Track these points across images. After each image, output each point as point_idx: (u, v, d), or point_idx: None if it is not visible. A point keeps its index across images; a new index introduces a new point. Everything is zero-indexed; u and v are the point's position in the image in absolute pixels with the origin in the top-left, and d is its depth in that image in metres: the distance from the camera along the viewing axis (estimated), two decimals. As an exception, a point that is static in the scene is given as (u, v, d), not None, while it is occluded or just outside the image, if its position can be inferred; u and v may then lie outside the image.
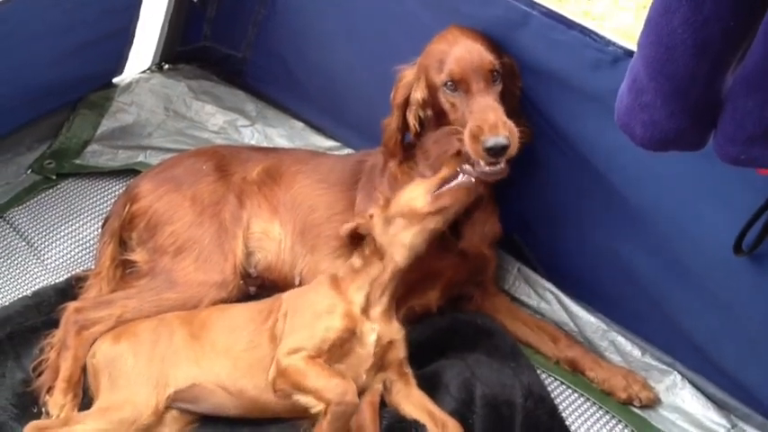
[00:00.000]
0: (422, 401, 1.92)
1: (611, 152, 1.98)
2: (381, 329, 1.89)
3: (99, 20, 2.53)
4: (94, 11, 2.48)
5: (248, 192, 2.26)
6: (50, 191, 2.63)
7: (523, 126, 1.97)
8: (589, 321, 2.24)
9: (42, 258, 2.42)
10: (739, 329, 1.94)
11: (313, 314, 1.87)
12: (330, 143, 2.75)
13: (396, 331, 1.93)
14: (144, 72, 2.92)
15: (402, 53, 2.12)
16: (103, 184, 2.66)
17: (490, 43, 2.00)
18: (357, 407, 1.78)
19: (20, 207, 2.56)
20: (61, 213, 2.56)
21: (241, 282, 2.16)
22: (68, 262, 2.42)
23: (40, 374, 2.01)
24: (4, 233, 2.49)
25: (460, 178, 1.92)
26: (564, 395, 2.14)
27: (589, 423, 2.09)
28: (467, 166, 1.94)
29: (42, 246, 2.46)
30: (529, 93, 2.09)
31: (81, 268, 2.36)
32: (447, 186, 1.92)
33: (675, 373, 2.13)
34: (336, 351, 1.82)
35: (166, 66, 2.96)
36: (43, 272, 2.39)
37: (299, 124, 2.81)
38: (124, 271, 2.23)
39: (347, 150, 2.69)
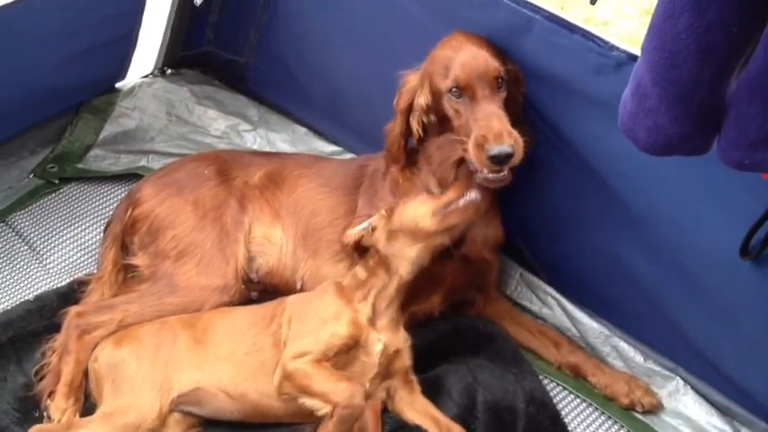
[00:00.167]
0: (426, 408, 1.92)
1: (613, 157, 1.98)
2: (388, 339, 1.89)
3: (102, 25, 2.54)
4: (98, 16, 2.49)
5: (250, 196, 2.26)
6: (53, 195, 2.63)
7: (526, 134, 1.97)
8: (591, 326, 2.23)
9: (44, 262, 2.42)
10: (740, 334, 1.93)
11: (319, 321, 1.87)
12: (332, 148, 2.76)
13: (402, 340, 1.93)
14: (146, 77, 2.93)
15: (404, 58, 2.12)
16: (106, 189, 2.66)
17: (495, 50, 2.00)
18: (363, 410, 1.78)
19: (22, 211, 2.56)
20: (63, 217, 2.56)
21: (243, 286, 2.15)
22: (70, 266, 2.42)
23: (41, 378, 2.01)
24: (6, 237, 2.49)
25: (468, 197, 1.91)
26: (566, 401, 2.14)
27: (591, 429, 2.09)
28: (473, 191, 1.92)
29: (44, 250, 2.46)
30: (532, 97, 2.09)
31: (83, 272, 2.36)
32: (454, 206, 1.90)
33: (678, 378, 2.12)
34: (341, 358, 1.82)
35: (169, 71, 2.97)
36: (45, 276, 2.39)
37: (302, 129, 2.81)
38: (126, 275, 2.23)
39: (349, 155, 2.69)
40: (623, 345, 2.19)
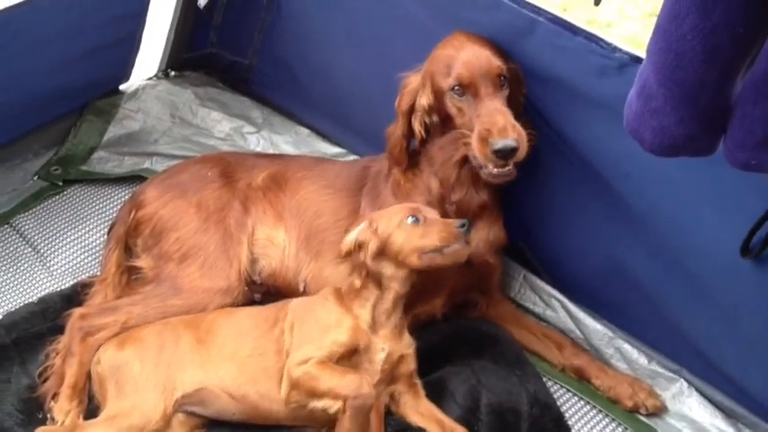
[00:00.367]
0: (430, 411, 1.92)
1: (616, 159, 1.98)
2: (391, 346, 1.89)
3: (106, 26, 2.54)
4: (102, 17, 2.49)
5: (253, 198, 2.26)
6: (57, 197, 2.63)
7: (529, 129, 1.97)
8: (595, 328, 2.23)
9: (48, 264, 2.43)
10: (741, 334, 1.93)
11: (320, 328, 1.87)
12: (336, 150, 2.76)
13: (406, 345, 1.93)
14: (150, 79, 2.93)
15: (406, 60, 2.12)
16: (109, 191, 2.66)
17: (496, 48, 2.01)
18: (374, 398, 1.77)
19: (26, 213, 2.57)
20: (67, 220, 2.57)
21: (246, 288, 2.15)
22: (74, 268, 2.42)
23: (45, 380, 2.01)
24: (10, 239, 2.50)
25: (455, 246, 1.86)
26: (570, 403, 2.13)
27: (595, 431, 2.08)
28: (461, 240, 1.86)
29: (48, 252, 2.46)
30: (534, 99, 2.09)
31: (87, 274, 2.36)
32: (442, 251, 1.85)
33: (682, 380, 2.12)
34: (344, 364, 1.82)
35: (173, 73, 2.97)
36: (49, 278, 2.39)
37: (305, 131, 2.82)
38: (129, 277, 2.23)
39: (352, 157, 2.69)
40: (627, 347, 2.19)
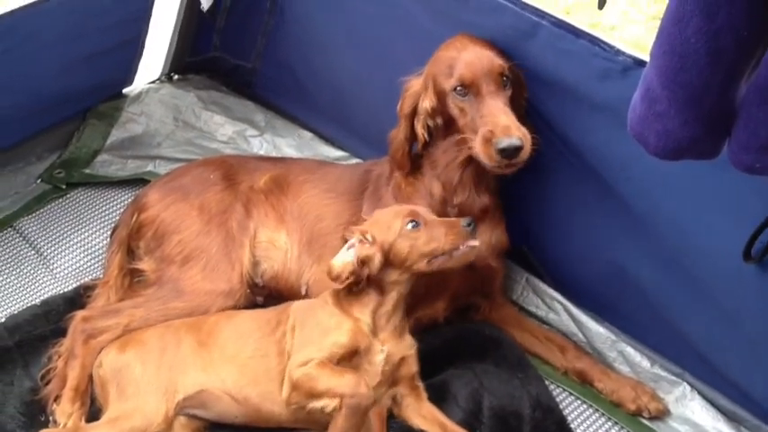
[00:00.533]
0: (433, 414, 1.92)
1: (619, 162, 1.98)
2: (392, 348, 1.88)
3: (110, 30, 2.55)
4: (106, 20, 2.50)
5: (255, 201, 2.26)
6: (60, 200, 2.64)
7: (532, 133, 1.97)
8: (598, 332, 2.23)
9: (51, 267, 2.43)
10: (743, 338, 1.93)
11: (321, 330, 1.87)
12: (338, 153, 2.76)
13: (408, 347, 1.93)
14: (153, 82, 2.94)
15: (409, 64, 2.12)
16: (112, 194, 2.67)
17: (498, 50, 2.01)
18: (372, 400, 1.77)
19: (29, 216, 2.57)
20: (70, 222, 2.57)
21: (248, 291, 2.16)
22: (77, 271, 2.42)
23: (47, 383, 2.01)
24: (13, 242, 2.50)
25: (462, 249, 1.85)
26: (572, 406, 2.13)
27: (598, 434, 2.09)
28: (472, 240, 1.86)
29: (51, 255, 2.46)
30: (537, 103, 2.09)
31: (89, 277, 2.37)
32: (452, 254, 1.85)
33: (685, 384, 2.12)
34: (345, 366, 1.82)
35: (176, 76, 2.98)
36: (52, 281, 2.39)
37: (308, 134, 2.82)
38: (132, 280, 2.23)
39: (355, 160, 2.69)
40: (630, 350, 2.19)
